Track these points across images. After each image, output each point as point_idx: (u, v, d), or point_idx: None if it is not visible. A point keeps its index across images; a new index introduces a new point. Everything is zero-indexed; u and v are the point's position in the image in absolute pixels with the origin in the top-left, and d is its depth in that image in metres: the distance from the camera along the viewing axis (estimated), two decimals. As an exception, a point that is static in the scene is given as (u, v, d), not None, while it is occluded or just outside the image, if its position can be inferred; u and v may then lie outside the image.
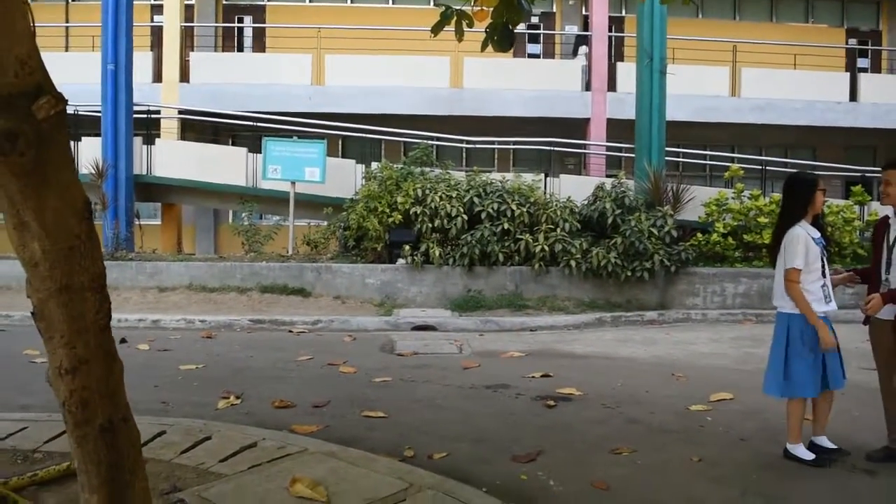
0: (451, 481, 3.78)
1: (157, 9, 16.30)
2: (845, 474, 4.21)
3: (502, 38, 4.66)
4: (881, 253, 4.40)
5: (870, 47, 18.70)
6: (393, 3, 17.57)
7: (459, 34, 4.56)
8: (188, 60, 15.37)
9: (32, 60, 1.71)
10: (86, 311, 1.94)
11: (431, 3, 17.21)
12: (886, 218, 4.47)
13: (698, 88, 15.41)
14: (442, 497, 3.54)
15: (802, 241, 4.30)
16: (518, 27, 4.64)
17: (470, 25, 4.56)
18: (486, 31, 4.57)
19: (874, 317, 4.37)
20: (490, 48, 4.60)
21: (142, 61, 13.68)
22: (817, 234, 4.39)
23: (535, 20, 17.39)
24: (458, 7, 4.47)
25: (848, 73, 17.17)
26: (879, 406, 4.61)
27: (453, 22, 4.52)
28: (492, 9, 4.49)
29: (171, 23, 14.74)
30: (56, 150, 1.77)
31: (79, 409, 2.00)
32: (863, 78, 17.05)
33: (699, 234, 11.29)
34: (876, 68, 18.67)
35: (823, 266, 4.36)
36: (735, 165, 12.39)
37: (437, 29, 4.53)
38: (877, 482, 4.12)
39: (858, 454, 4.46)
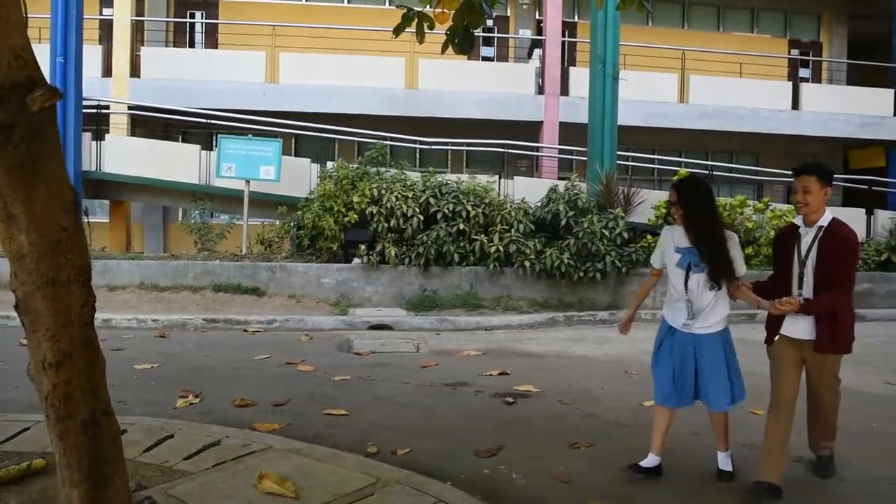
0: (418, 476, 3.84)
1: (106, 1, 15.93)
2: (797, 467, 4.40)
3: (463, 41, 4.73)
4: (790, 265, 4.04)
5: (811, 58, 19.36)
6: (349, 3, 17.51)
7: (420, 36, 4.60)
8: (139, 55, 15.08)
9: (25, 52, 1.71)
10: (71, 304, 1.94)
11: (387, 4, 17.23)
12: (795, 227, 4.09)
13: (648, 94, 15.74)
14: (409, 491, 3.60)
15: (661, 242, 4.26)
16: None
17: (431, 27, 4.61)
18: (446, 34, 4.63)
19: (783, 335, 4.06)
20: (448, 50, 4.68)
21: (91, 55, 13.36)
22: (685, 244, 4.09)
23: (489, 23, 17.54)
24: (418, 9, 4.54)
25: (790, 83, 17.76)
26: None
27: (414, 24, 4.58)
28: (453, 12, 4.57)
29: (122, 16, 14.45)
30: (47, 143, 1.78)
31: (61, 403, 1.99)
32: (804, 87, 17.65)
33: (649, 236, 11.55)
34: (817, 78, 19.34)
35: (688, 282, 4.04)
36: (683, 170, 12.70)
37: (398, 30, 4.56)
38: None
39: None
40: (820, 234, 3.93)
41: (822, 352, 4.00)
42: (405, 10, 4.51)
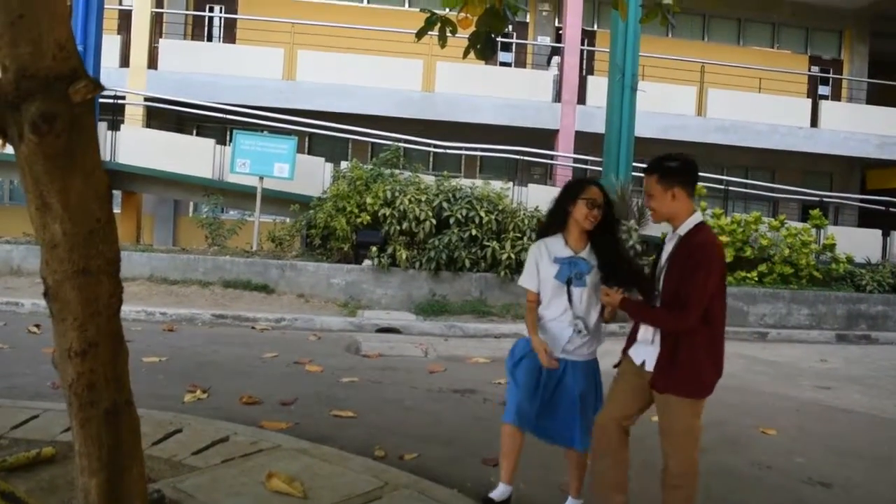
0: (425, 481, 3.86)
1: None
2: (806, 487, 4.40)
3: (485, 47, 4.74)
4: (656, 268, 3.38)
5: (831, 75, 19.33)
6: (368, 3, 17.59)
7: (443, 41, 4.62)
8: (157, 47, 15.19)
9: (69, 44, 1.75)
10: (100, 294, 1.98)
11: (406, 5, 17.30)
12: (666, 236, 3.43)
13: (666, 106, 15.75)
14: (416, 496, 3.62)
15: (532, 258, 3.60)
16: (492, 35, 4.74)
17: (454, 32, 4.65)
18: (468, 39, 4.67)
19: (628, 355, 3.39)
20: (468, 54, 4.70)
21: (109, 45, 13.49)
22: (565, 255, 3.53)
23: (508, 28, 17.56)
24: (441, 13, 4.57)
25: (810, 100, 17.74)
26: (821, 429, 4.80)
27: (437, 27, 4.62)
28: (476, 17, 4.60)
29: (142, 7, 14.55)
30: (85, 134, 1.81)
31: (85, 392, 2.03)
32: (824, 105, 17.63)
33: (662, 250, 11.55)
34: (836, 96, 19.31)
35: (571, 298, 3.49)
36: (699, 184, 12.70)
37: (421, 34, 4.59)
38: None
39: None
40: (675, 244, 3.20)
41: (653, 388, 3.19)
42: (428, 14, 4.54)
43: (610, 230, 3.56)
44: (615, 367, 3.48)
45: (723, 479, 4.37)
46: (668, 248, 3.24)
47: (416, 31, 4.63)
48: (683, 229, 3.17)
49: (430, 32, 4.61)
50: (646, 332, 3.25)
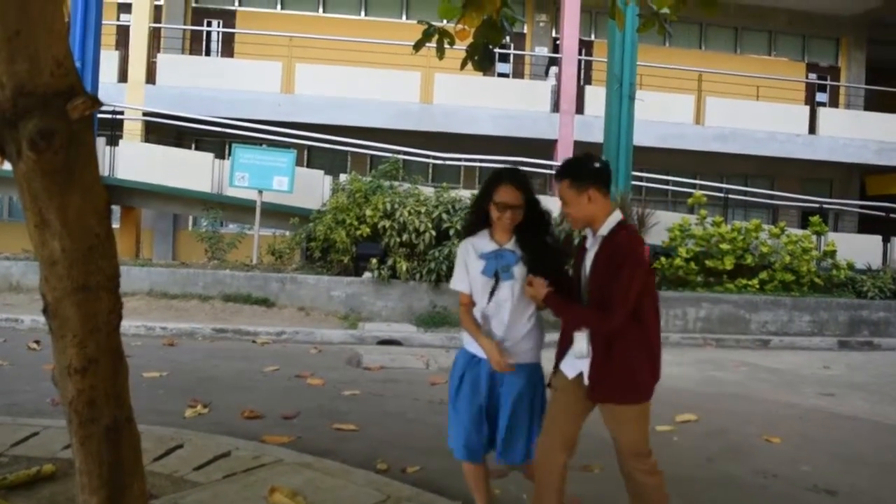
0: (428, 494, 3.84)
1: (124, 7, 16.13)
2: (811, 495, 4.37)
3: (483, 58, 4.75)
4: (578, 274, 3.22)
5: (829, 82, 19.38)
6: (365, 16, 17.66)
7: (440, 52, 4.63)
8: (155, 62, 15.24)
9: (67, 61, 1.75)
10: (99, 310, 1.97)
11: (404, 18, 17.37)
12: (584, 240, 3.25)
13: (664, 115, 15.78)
14: (420, 509, 3.60)
15: (460, 258, 3.39)
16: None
17: (451, 44, 4.66)
18: (466, 51, 4.68)
19: (560, 369, 3.21)
20: (466, 66, 4.71)
21: (107, 60, 13.53)
22: (492, 248, 3.30)
23: (506, 40, 17.62)
24: (438, 24, 4.58)
25: (808, 107, 17.78)
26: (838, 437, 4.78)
27: (434, 39, 4.63)
28: (473, 29, 4.61)
29: (140, 23, 14.61)
30: (83, 150, 1.81)
31: (85, 409, 2.01)
32: (822, 112, 17.67)
33: (662, 259, 11.55)
34: (834, 103, 19.35)
35: (497, 293, 3.25)
36: (698, 192, 12.73)
37: (418, 46, 4.60)
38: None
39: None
40: (598, 246, 3.07)
41: (592, 398, 3.07)
42: (426, 26, 4.56)
43: (535, 225, 3.31)
44: (548, 386, 3.29)
45: (726, 489, 4.35)
46: (591, 253, 3.10)
47: (413, 44, 4.68)
48: (605, 230, 3.06)
49: (427, 44, 4.64)
50: (580, 343, 3.06)
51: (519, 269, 3.25)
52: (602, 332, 2.98)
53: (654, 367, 3.05)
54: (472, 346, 3.32)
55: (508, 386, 3.25)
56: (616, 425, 3.09)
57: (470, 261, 3.33)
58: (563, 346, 3.19)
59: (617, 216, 3.08)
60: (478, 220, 3.37)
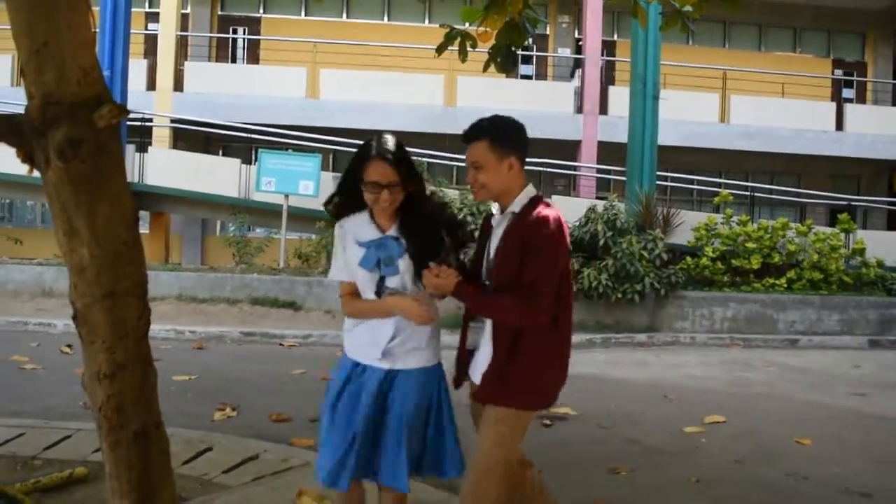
0: (456, 497, 3.81)
1: (151, 16, 16.33)
2: (844, 498, 4.29)
3: (506, 60, 4.75)
4: (482, 258, 2.74)
5: (855, 78, 19.08)
6: (388, 20, 17.70)
7: (463, 55, 4.64)
8: (182, 69, 15.39)
9: (94, 71, 1.76)
10: (128, 317, 1.98)
11: (427, 21, 17.38)
12: (489, 218, 2.78)
13: (688, 114, 15.64)
14: (448, 511, 3.58)
15: (338, 244, 2.77)
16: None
17: (474, 46, 4.65)
18: (488, 53, 4.67)
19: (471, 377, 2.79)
20: (488, 67, 4.71)
21: (135, 69, 13.69)
22: (372, 236, 2.67)
23: (528, 41, 17.58)
24: (460, 27, 4.58)
25: (834, 103, 17.52)
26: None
27: (457, 42, 4.62)
28: (495, 31, 4.60)
29: (167, 31, 14.78)
30: (110, 159, 1.82)
31: (114, 414, 2.03)
32: (848, 108, 17.41)
33: (688, 258, 11.43)
34: (861, 99, 19.05)
35: (382, 288, 2.66)
36: (724, 191, 12.57)
37: (441, 49, 4.62)
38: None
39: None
40: (508, 224, 2.61)
41: (480, 399, 2.65)
42: (448, 29, 4.55)
43: (422, 206, 2.71)
44: (456, 385, 2.86)
45: (759, 492, 4.27)
46: (498, 231, 2.64)
47: (436, 47, 4.67)
48: (517, 206, 2.58)
49: (450, 48, 4.64)
50: (487, 346, 2.61)
51: (405, 263, 2.66)
52: (523, 326, 2.50)
53: (563, 368, 2.65)
54: (355, 352, 2.73)
55: (403, 396, 2.66)
56: (487, 427, 2.60)
57: (349, 247, 2.72)
58: (465, 351, 2.78)
59: (531, 190, 2.63)
60: (348, 201, 2.74)
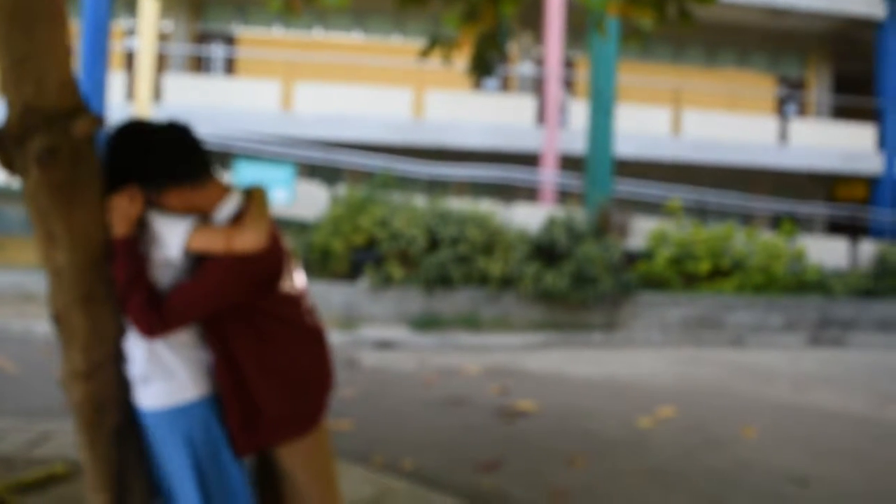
0: (422, 488, 3.84)
1: (130, 30, 16.12)
2: (785, 484, 4.39)
3: (484, 65, 5.23)
4: None
5: (798, 93, 19.48)
6: (362, 36, 17.69)
7: (446, 54, 5.04)
8: (160, 82, 15.23)
9: (72, 83, 1.77)
10: (105, 318, 1.97)
11: (399, 37, 17.40)
12: None
13: (643, 128, 15.84)
14: (414, 502, 3.60)
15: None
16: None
17: (453, 49, 5.02)
18: (471, 59, 5.12)
19: None
20: (454, 81, 5.16)
21: (115, 81, 13.52)
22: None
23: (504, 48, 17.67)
24: (443, 35, 4.96)
25: (778, 118, 17.87)
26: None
27: (438, 49, 5.00)
28: (475, 38, 4.97)
29: (146, 45, 14.60)
30: (87, 167, 1.82)
31: (91, 413, 2.01)
32: (792, 122, 17.77)
33: (643, 262, 11.59)
34: (803, 114, 19.46)
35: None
36: (676, 198, 12.77)
37: (426, 52, 4.98)
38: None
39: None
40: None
41: (242, 450, 2.24)
42: (431, 38, 4.93)
43: None
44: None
45: (706, 479, 4.36)
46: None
47: (417, 55, 5.04)
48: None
49: (427, 57, 5.00)
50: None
51: None
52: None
53: (303, 392, 2.37)
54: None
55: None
56: (298, 462, 2.36)
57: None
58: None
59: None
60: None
